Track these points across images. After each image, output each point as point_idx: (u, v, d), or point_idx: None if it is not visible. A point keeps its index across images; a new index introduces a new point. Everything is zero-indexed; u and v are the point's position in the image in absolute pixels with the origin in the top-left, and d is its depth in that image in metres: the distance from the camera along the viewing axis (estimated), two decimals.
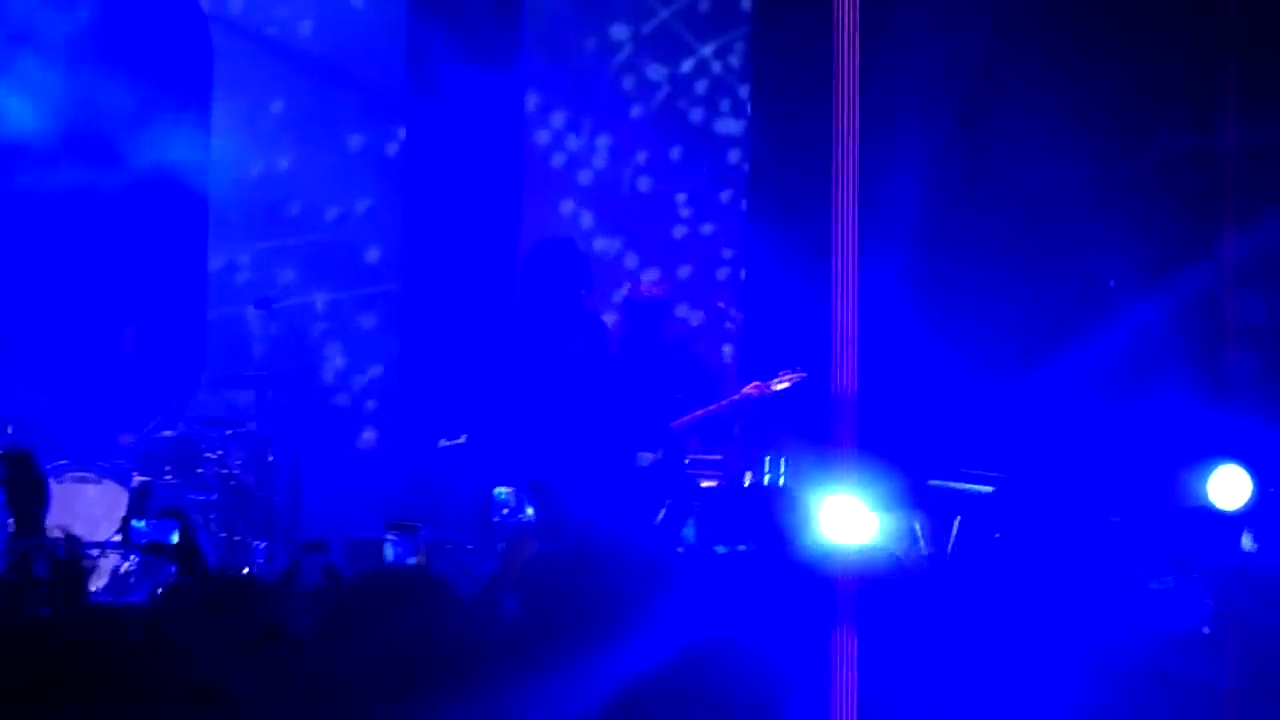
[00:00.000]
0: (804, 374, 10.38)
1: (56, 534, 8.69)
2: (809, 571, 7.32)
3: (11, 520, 5.74)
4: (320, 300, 12.17)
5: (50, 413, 11.05)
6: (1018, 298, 12.06)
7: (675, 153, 12.67)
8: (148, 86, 11.83)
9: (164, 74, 11.93)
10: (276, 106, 12.27)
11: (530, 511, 8.19)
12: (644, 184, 12.59)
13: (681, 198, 12.65)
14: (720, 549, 7.92)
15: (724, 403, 10.49)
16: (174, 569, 6.35)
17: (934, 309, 11.99)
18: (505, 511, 8.77)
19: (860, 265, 9.40)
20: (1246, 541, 9.79)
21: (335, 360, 12.07)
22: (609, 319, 10.52)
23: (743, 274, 12.50)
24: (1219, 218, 11.88)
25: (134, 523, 6.18)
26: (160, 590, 5.99)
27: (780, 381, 10.43)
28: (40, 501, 5.77)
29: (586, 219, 12.39)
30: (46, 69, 11.67)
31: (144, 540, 6.16)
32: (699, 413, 10.37)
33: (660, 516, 7.40)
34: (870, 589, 7.55)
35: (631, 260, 12.45)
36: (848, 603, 7.29)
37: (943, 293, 12.08)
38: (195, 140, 12.05)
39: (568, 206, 12.44)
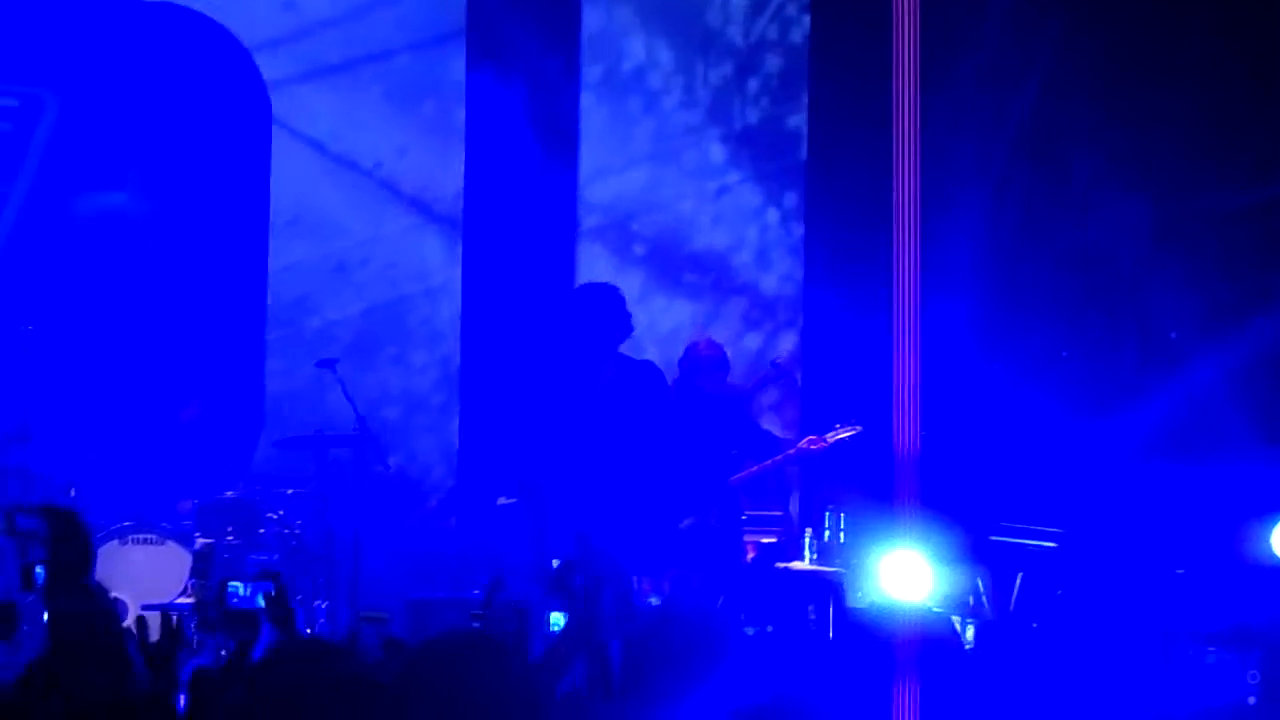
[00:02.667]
0: (860, 428, 10.35)
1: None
2: (868, 630, 7.28)
3: (51, 579, 5.70)
4: (381, 360, 12.21)
5: (112, 475, 11.11)
6: (1079, 350, 12.00)
7: (733, 207, 12.68)
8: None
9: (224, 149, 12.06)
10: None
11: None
12: (702, 240, 12.59)
13: (742, 253, 12.65)
14: (749, 630, 7.90)
15: (781, 458, 10.46)
16: (267, 630, 6.33)
17: (995, 362, 11.94)
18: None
19: (921, 318, 9.39)
20: None
21: (395, 419, 12.08)
22: (669, 375, 10.47)
23: (799, 326, 12.47)
24: None
25: (230, 584, 6.17)
26: (247, 653, 5.97)
27: (837, 435, 10.40)
28: (86, 562, 5.74)
29: (640, 274, 12.39)
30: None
31: (240, 602, 6.15)
32: (755, 468, 10.35)
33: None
34: (930, 647, 7.51)
35: (688, 313, 12.44)
36: (908, 661, 7.24)
37: (1003, 346, 12.03)
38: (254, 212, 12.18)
39: (625, 260, 12.45)
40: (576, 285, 10.10)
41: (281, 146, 12.23)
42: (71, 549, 5.66)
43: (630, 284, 11.25)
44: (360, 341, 12.12)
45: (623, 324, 9.65)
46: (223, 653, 9.40)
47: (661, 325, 12.10)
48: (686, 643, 5.66)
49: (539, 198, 12.31)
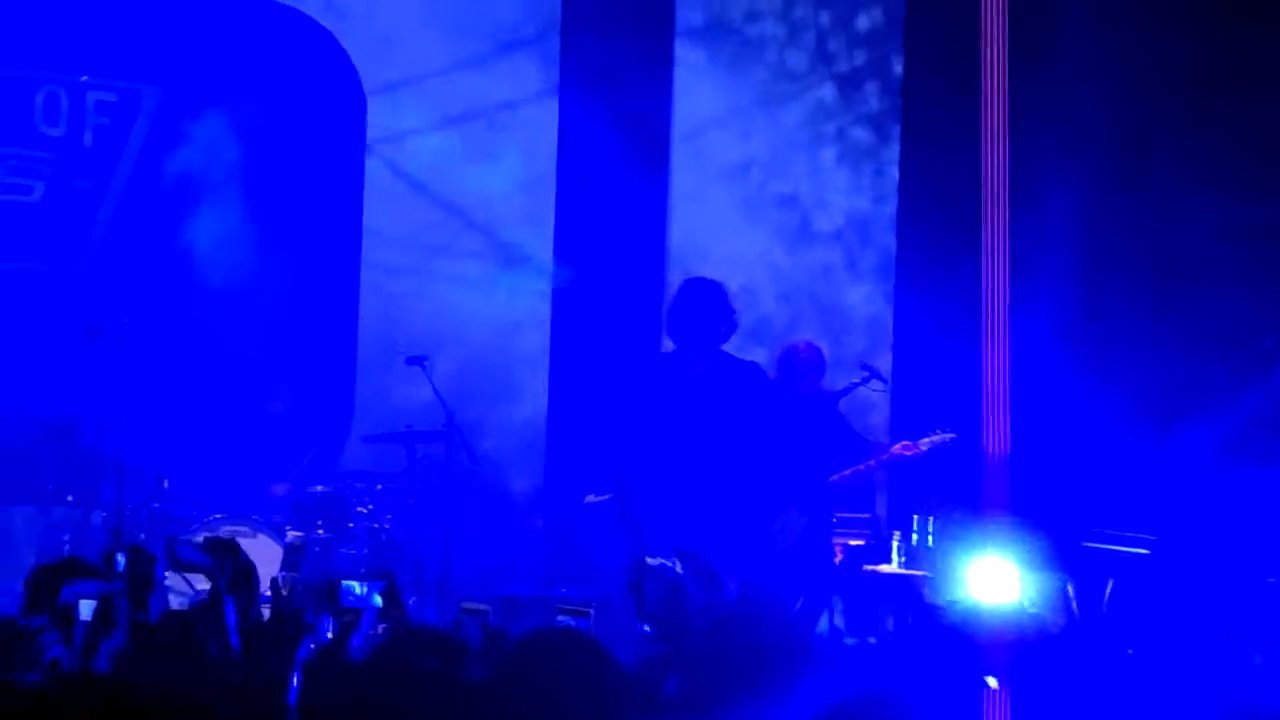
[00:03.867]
0: (952, 434, 10.33)
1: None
2: (960, 632, 7.29)
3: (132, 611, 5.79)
4: (469, 355, 12.25)
5: (204, 466, 11.21)
6: (1173, 356, 11.93)
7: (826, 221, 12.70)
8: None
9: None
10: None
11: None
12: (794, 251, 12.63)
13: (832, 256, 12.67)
14: (850, 640, 7.89)
15: (873, 462, 10.45)
16: (381, 626, 6.40)
17: (1086, 369, 11.89)
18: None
19: (1011, 324, 9.38)
20: None
21: (485, 414, 12.11)
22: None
23: (892, 334, 12.47)
24: None
25: (345, 582, 6.23)
26: (368, 644, 6.03)
27: (929, 441, 10.39)
28: (160, 600, 5.84)
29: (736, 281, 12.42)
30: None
31: (354, 601, 6.21)
32: (848, 471, 10.34)
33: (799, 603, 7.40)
34: (1021, 650, 7.51)
35: (783, 317, 12.45)
36: (999, 664, 7.25)
37: (1095, 352, 11.98)
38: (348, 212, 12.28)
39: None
40: (682, 281, 10.00)
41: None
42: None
43: None
44: (450, 338, 12.16)
45: (727, 321, 9.56)
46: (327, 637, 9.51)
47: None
48: (764, 645, 5.67)
49: (628, 200, 12.35)
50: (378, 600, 6.19)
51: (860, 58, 12.72)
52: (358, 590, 6.13)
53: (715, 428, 9.40)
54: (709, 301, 9.51)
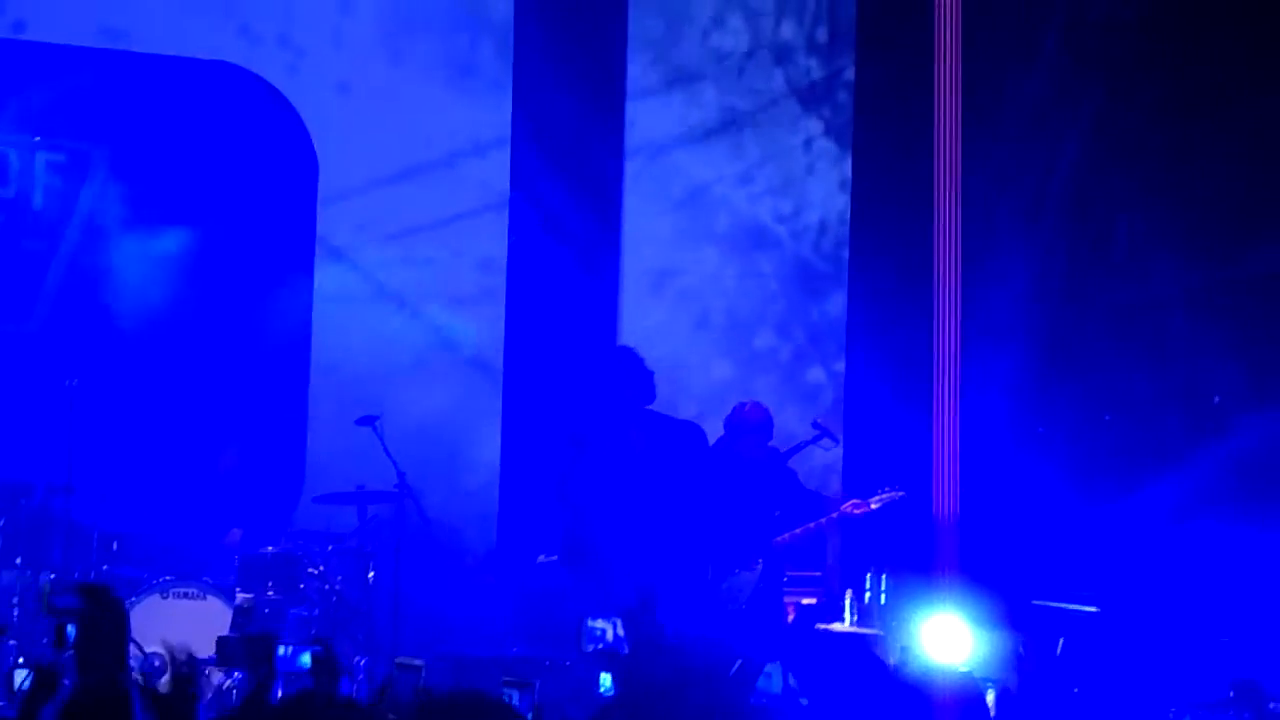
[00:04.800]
0: (901, 492, 10.34)
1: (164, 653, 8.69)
2: (914, 690, 7.28)
3: (87, 656, 5.70)
4: (425, 416, 12.23)
5: (154, 526, 11.16)
6: (1121, 412, 11.96)
7: (771, 267, 12.75)
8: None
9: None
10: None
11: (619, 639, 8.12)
12: (742, 299, 12.67)
13: (780, 312, 12.71)
14: (803, 700, 7.85)
15: (823, 520, 10.45)
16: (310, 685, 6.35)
17: (1036, 425, 11.91)
18: (599, 645, 8.71)
19: (961, 382, 9.39)
20: None
21: (435, 476, 12.08)
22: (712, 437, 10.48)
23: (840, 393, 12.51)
24: None
25: (281, 647, 6.19)
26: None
27: (878, 500, 10.39)
28: (120, 636, 5.75)
29: (682, 331, 12.46)
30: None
31: (283, 663, 6.17)
32: (798, 530, 10.34)
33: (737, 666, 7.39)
34: (973, 709, 7.49)
35: (725, 373, 12.49)
36: None
37: (1044, 409, 12.01)
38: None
39: (664, 317, 12.52)
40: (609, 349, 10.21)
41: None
42: (105, 625, 5.67)
43: None
44: (401, 399, 12.14)
45: (643, 384, 9.80)
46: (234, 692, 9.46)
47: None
48: (694, 706, 5.63)
49: (581, 256, 12.40)
50: (305, 661, 6.15)
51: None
52: (283, 652, 6.10)
53: (649, 488, 9.49)
54: (624, 367, 9.76)
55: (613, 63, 12.68)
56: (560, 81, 12.43)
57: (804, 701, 7.89)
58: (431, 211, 12.46)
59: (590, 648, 8.90)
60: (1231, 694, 8.48)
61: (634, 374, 9.79)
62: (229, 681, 9.98)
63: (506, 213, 12.50)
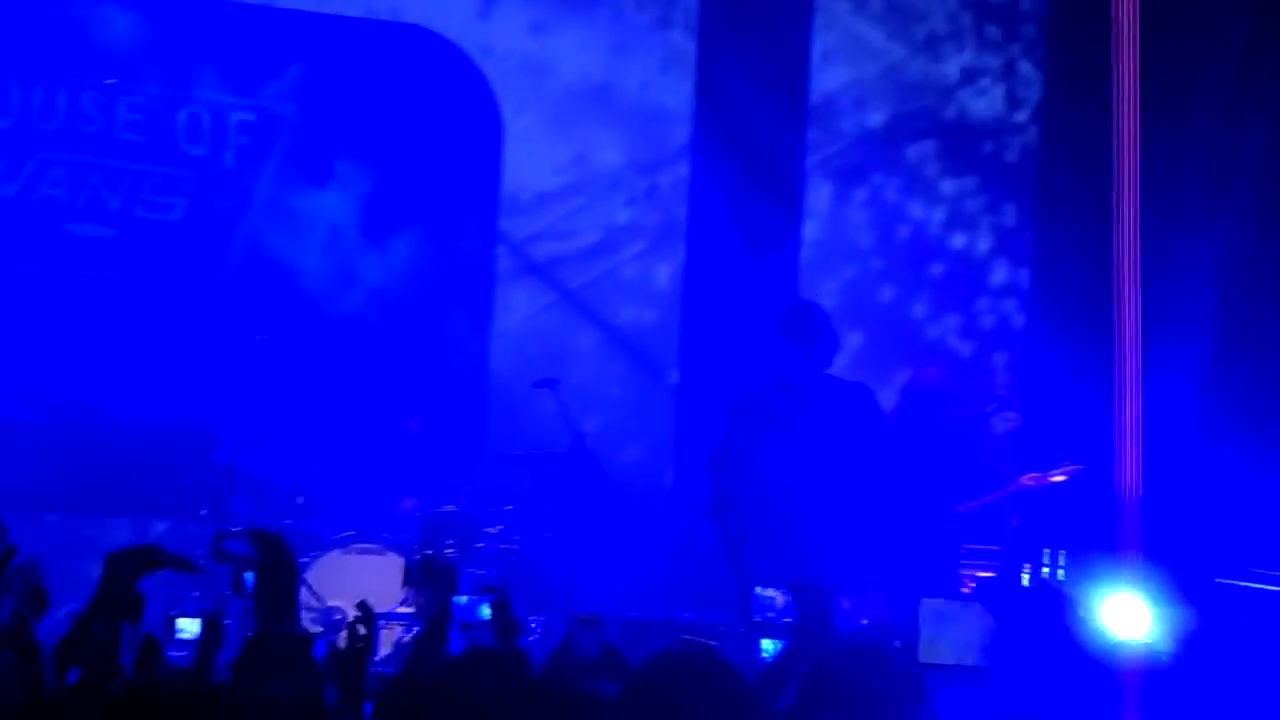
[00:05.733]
0: (1081, 466, 10.24)
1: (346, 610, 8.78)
2: (1095, 666, 7.24)
3: (259, 600, 5.76)
4: (600, 381, 12.32)
5: (338, 484, 11.32)
6: None
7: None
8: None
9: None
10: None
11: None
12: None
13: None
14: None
15: (1001, 493, 10.38)
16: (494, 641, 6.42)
17: (1217, 402, 11.78)
18: (769, 614, 8.70)
19: (1143, 359, 9.32)
20: None
21: (614, 440, 12.16)
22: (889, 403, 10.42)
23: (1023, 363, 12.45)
24: None
25: (455, 598, 6.27)
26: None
27: (1058, 474, 10.30)
28: (292, 585, 5.81)
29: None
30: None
31: (464, 615, 6.25)
32: (976, 502, 10.28)
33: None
34: (1155, 684, 7.45)
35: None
36: (1133, 698, 7.20)
37: (1226, 387, 11.86)
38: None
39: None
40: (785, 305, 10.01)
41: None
42: (278, 573, 5.73)
43: None
44: (584, 362, 12.24)
45: (827, 343, 9.55)
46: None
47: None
48: (869, 678, 5.60)
49: (760, 224, 12.42)
50: (485, 613, 6.21)
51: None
52: (464, 603, 6.16)
53: (821, 452, 9.36)
54: (808, 324, 9.53)
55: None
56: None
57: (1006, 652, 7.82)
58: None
59: (759, 617, 8.90)
60: None
61: (818, 332, 9.57)
62: (408, 636, 10.12)
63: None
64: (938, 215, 12.86)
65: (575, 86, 12.45)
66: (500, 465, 11.68)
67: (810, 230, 12.72)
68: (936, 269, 12.85)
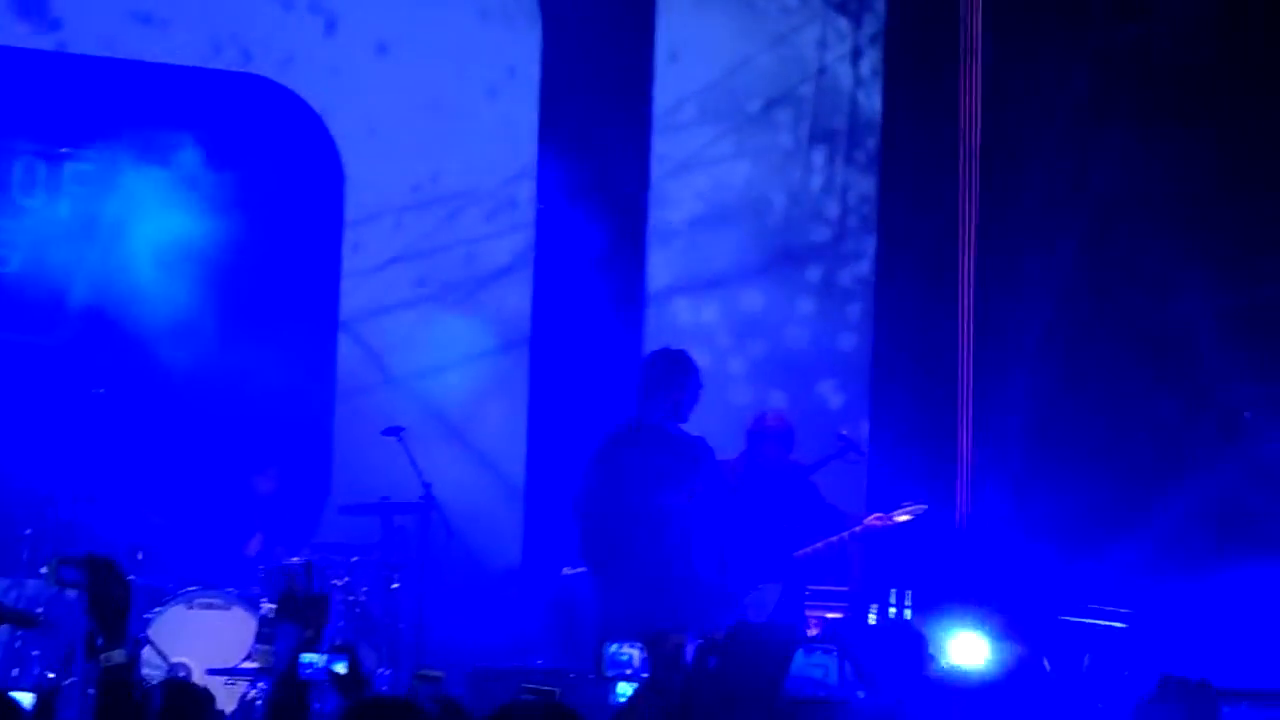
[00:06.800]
0: (925, 506, 10.31)
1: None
2: (946, 701, 7.27)
3: (94, 629, 5.75)
4: (447, 426, 12.25)
5: (178, 539, 11.18)
6: (1146, 429, 11.94)
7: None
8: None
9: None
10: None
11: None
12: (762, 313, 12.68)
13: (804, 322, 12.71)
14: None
15: (846, 534, 10.42)
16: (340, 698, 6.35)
17: (1058, 441, 11.89)
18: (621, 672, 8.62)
19: (983, 398, 9.40)
20: None
21: (461, 485, 12.09)
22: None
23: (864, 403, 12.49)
24: None
25: (304, 656, 6.19)
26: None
27: (902, 513, 10.36)
28: (123, 606, 5.80)
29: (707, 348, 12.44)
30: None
31: (313, 674, 6.16)
32: (820, 544, 10.31)
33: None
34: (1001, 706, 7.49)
35: (752, 388, 12.48)
36: None
37: (1068, 426, 11.98)
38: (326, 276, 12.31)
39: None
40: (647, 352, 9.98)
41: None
42: (110, 595, 5.72)
43: None
44: (429, 407, 12.16)
45: (688, 392, 9.52)
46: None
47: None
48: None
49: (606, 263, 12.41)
50: (339, 669, 6.15)
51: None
52: (318, 663, 6.08)
53: (659, 504, 9.35)
54: (676, 375, 9.49)
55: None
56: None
57: (860, 694, 7.83)
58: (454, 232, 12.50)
59: (611, 673, 8.83)
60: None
61: (691, 381, 9.49)
62: (253, 692, 9.99)
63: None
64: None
65: (418, 107, 12.38)
66: (346, 515, 11.58)
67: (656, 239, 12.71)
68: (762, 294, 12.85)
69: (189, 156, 11.95)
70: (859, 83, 12.79)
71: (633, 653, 7.91)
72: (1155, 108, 11.90)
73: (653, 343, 12.08)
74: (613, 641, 7.53)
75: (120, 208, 12.01)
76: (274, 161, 12.17)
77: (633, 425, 9.53)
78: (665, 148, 12.69)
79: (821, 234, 12.82)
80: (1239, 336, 11.68)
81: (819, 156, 12.78)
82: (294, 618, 6.26)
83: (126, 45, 12.07)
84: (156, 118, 12.00)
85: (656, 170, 12.68)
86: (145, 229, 11.94)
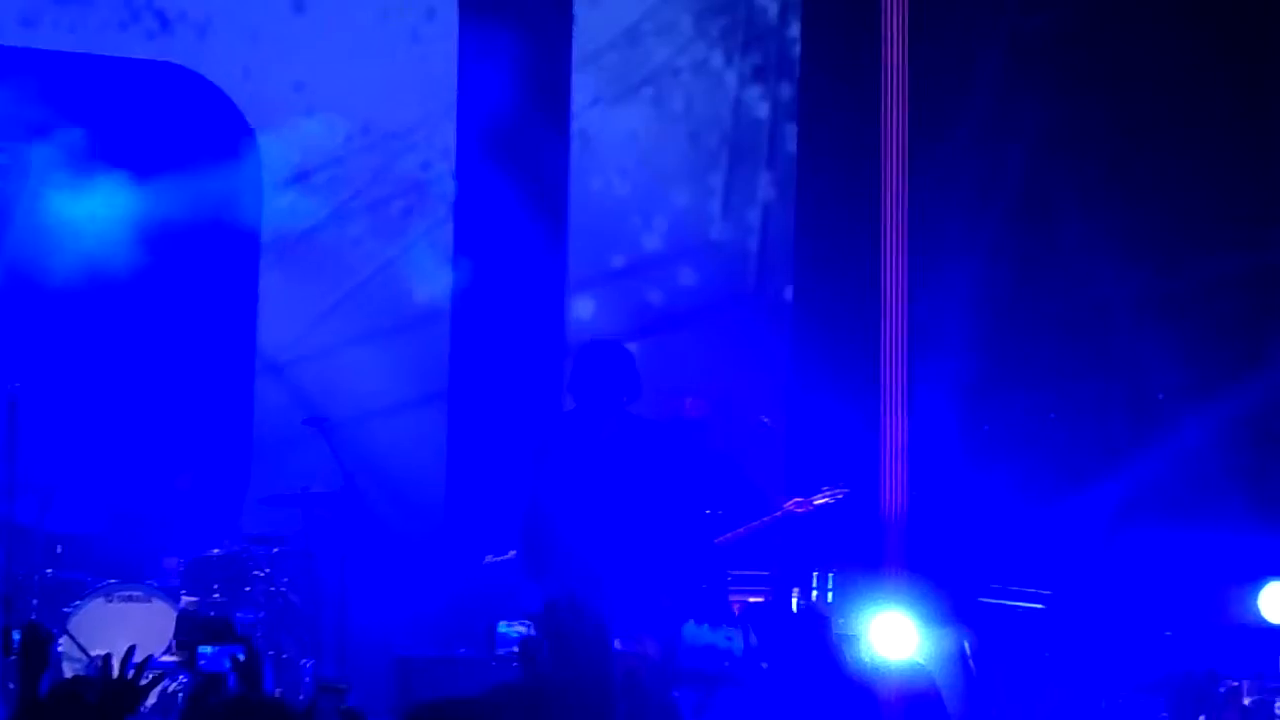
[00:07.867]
0: (845, 490, 10.34)
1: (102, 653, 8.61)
2: (857, 688, 7.29)
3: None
4: (370, 414, 12.20)
5: (99, 532, 11.10)
6: (1066, 413, 12.02)
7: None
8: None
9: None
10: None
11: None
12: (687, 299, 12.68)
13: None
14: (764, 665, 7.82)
15: (766, 519, 10.43)
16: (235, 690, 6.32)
17: (981, 424, 11.95)
18: (512, 649, 8.56)
19: (907, 381, 9.41)
20: None
21: (385, 475, 12.05)
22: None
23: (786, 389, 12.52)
24: (1271, 335, 11.83)
25: (201, 649, 6.15)
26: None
27: (822, 497, 10.40)
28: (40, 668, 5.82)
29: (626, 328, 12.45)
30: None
31: (210, 665, 6.14)
32: (741, 529, 10.32)
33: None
34: (916, 704, 7.51)
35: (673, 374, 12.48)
36: (894, 717, 7.25)
37: (990, 408, 12.04)
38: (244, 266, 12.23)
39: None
40: (584, 343, 9.85)
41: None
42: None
43: None
44: (350, 391, 12.11)
45: (631, 382, 9.35)
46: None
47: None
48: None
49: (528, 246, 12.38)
50: (228, 664, 6.11)
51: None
52: (209, 653, 6.07)
53: (624, 488, 9.21)
54: (611, 364, 9.30)
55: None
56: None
57: (764, 665, 7.85)
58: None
59: (502, 651, 8.77)
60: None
61: (621, 371, 9.31)
62: (174, 685, 9.93)
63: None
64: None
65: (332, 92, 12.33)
66: (267, 506, 11.52)
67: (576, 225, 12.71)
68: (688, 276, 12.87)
69: (94, 147, 11.85)
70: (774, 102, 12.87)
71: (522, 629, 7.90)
72: (1070, 95, 11.97)
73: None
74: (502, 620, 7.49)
75: (29, 200, 11.90)
76: (192, 152, 12.08)
77: (585, 410, 9.31)
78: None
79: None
80: (1160, 319, 11.77)
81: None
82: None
83: (41, 30, 11.96)
84: (61, 108, 11.88)
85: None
86: (59, 221, 11.84)
